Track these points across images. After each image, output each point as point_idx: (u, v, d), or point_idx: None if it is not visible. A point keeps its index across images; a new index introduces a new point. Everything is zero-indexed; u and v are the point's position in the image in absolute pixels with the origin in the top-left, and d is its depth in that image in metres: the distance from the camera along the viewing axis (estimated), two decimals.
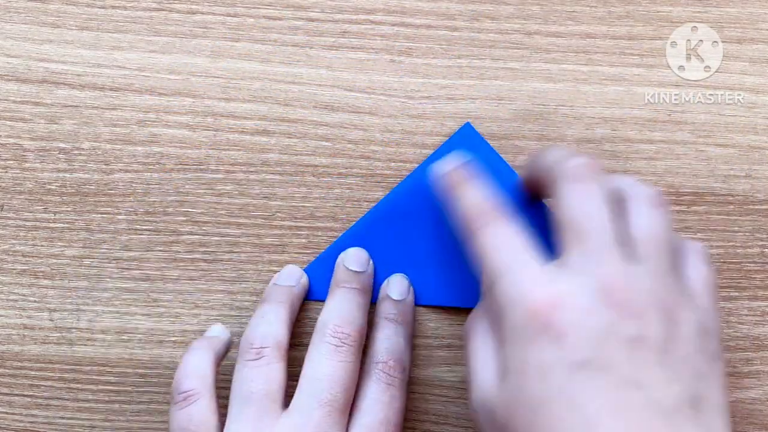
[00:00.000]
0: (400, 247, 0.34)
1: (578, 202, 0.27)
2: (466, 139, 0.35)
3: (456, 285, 0.34)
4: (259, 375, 0.30)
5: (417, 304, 0.35)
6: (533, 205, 0.33)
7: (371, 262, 0.34)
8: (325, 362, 0.30)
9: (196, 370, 0.31)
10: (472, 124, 0.35)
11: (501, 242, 0.28)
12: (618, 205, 0.28)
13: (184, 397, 0.30)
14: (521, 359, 0.26)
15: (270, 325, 0.32)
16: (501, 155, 0.35)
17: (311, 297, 0.35)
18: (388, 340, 0.33)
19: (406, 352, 0.33)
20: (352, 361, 0.31)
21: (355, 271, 0.33)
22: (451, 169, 0.31)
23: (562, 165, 0.28)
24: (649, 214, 0.28)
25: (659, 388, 0.25)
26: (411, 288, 0.34)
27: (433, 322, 0.35)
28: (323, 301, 0.33)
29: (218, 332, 0.34)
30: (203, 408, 0.30)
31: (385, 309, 0.34)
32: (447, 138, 0.35)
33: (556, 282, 0.26)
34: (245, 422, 0.29)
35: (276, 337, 0.31)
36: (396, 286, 0.34)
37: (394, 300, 0.34)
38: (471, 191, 0.30)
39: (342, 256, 0.34)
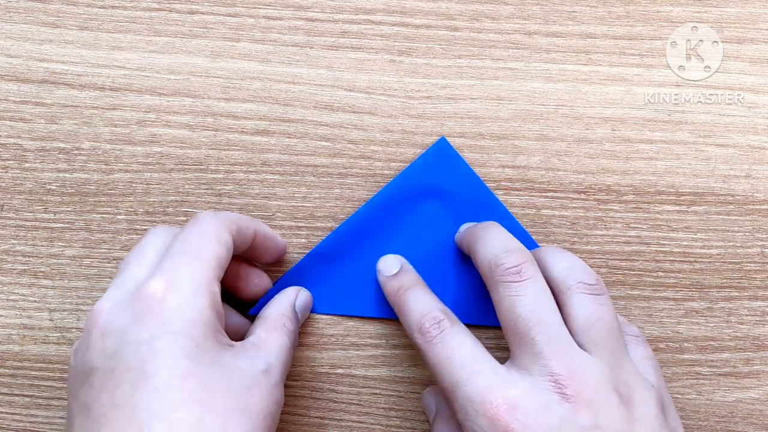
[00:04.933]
0: (369, 264, 0.34)
1: (520, 304, 0.28)
2: (441, 154, 0.34)
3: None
4: None
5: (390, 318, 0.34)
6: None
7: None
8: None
9: None
10: (470, 126, 0.35)
11: (453, 353, 0.28)
12: (559, 296, 0.29)
13: None
14: None
15: None
16: (473, 168, 0.35)
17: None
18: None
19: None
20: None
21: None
22: (394, 272, 0.32)
23: (497, 267, 0.28)
24: (591, 302, 0.28)
25: None
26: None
27: None
28: None
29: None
30: None
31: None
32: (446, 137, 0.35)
33: (510, 384, 0.26)
34: None
35: None
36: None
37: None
38: (418, 300, 0.31)
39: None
